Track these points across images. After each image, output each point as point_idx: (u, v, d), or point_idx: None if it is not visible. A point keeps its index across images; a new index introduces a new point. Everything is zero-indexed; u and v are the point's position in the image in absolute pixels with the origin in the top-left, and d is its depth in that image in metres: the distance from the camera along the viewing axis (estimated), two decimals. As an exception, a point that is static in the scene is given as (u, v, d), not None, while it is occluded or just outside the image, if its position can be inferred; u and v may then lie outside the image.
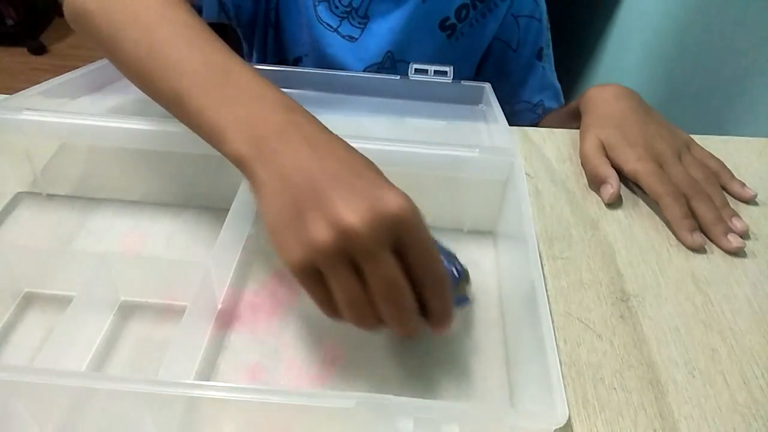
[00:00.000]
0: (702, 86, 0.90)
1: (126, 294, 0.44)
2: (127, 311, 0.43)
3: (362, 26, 0.71)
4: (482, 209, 0.50)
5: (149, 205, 0.52)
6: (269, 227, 0.35)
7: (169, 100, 0.42)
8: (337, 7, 0.69)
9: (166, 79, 0.41)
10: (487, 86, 0.63)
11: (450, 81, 0.63)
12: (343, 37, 0.72)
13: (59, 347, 0.36)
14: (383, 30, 0.71)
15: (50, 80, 0.53)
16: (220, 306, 0.44)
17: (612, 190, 0.55)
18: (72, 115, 0.47)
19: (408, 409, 0.31)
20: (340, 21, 0.71)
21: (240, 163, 0.37)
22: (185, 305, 0.38)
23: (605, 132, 0.59)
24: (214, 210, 0.51)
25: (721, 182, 0.57)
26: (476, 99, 0.64)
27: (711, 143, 0.64)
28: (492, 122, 0.58)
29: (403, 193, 0.34)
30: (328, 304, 0.35)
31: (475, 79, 0.82)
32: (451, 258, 0.43)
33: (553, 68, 0.80)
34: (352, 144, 0.46)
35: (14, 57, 2.35)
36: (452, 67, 0.64)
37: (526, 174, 0.46)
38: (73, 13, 0.48)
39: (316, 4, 0.71)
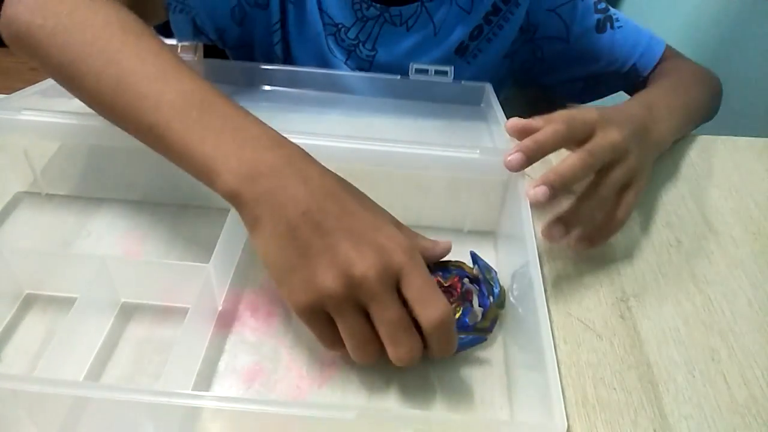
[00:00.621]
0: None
1: (126, 296, 0.44)
2: (128, 313, 0.43)
3: (370, 59, 0.68)
4: (483, 210, 0.50)
5: (149, 205, 0.52)
6: (271, 267, 0.37)
7: (144, 133, 0.40)
8: (343, 41, 0.66)
9: (140, 112, 0.39)
10: (488, 86, 0.63)
11: (451, 81, 0.63)
12: (353, 70, 0.69)
13: (61, 350, 0.36)
14: (392, 63, 0.68)
15: (48, 79, 0.53)
16: (220, 308, 0.44)
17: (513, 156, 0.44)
18: (71, 115, 0.47)
19: (408, 422, 0.32)
20: (348, 54, 0.68)
21: (234, 200, 0.37)
22: (185, 307, 0.38)
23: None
24: (214, 210, 0.51)
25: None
26: (477, 99, 0.64)
27: (711, 143, 0.64)
28: (493, 122, 0.58)
29: (402, 235, 0.37)
30: (330, 339, 0.37)
31: (549, 84, 0.75)
32: (488, 280, 0.42)
33: (628, 20, 0.69)
34: (353, 145, 0.46)
35: (14, 57, 2.31)
36: (452, 67, 0.64)
37: (526, 174, 0.46)
38: (14, 33, 0.45)
39: (326, 35, 0.67)
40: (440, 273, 0.42)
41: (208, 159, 0.37)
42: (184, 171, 0.39)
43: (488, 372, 0.41)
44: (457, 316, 0.40)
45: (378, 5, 0.63)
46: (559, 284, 0.47)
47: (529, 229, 0.41)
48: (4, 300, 0.43)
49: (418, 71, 0.63)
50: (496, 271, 0.43)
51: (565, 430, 0.30)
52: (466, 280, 0.42)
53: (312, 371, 0.40)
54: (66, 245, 0.48)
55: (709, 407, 0.39)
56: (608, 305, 0.46)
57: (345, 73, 0.65)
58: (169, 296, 0.43)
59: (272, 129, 0.40)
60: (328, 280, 0.34)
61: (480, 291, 0.42)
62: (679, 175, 0.60)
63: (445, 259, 0.42)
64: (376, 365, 0.40)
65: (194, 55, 0.65)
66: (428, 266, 0.38)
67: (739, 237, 0.53)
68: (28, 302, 0.43)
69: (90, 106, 0.44)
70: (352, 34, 0.65)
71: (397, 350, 0.36)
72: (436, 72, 0.63)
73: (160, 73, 0.41)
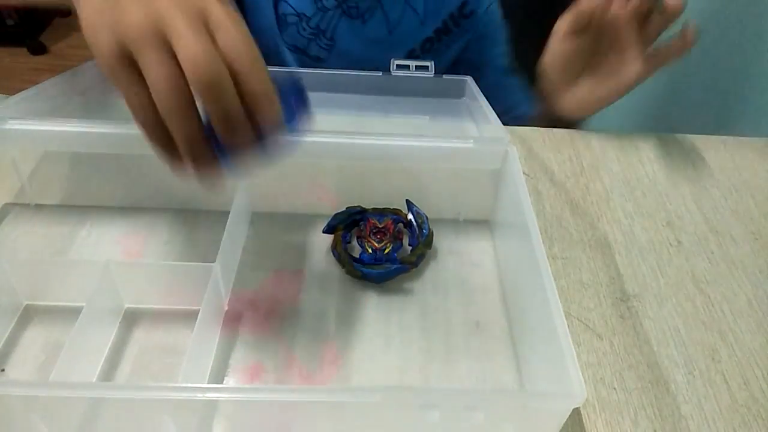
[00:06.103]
0: (702, 86, 0.90)
1: (130, 301, 0.43)
2: (132, 318, 0.43)
3: (329, 48, 0.72)
4: (477, 199, 0.51)
5: (145, 210, 0.51)
6: (84, 23, 0.35)
7: None
8: (305, 29, 0.71)
9: None
10: (469, 79, 0.63)
11: (432, 75, 0.63)
12: (311, 58, 0.73)
13: (71, 359, 0.36)
14: (349, 55, 0.73)
15: (39, 84, 0.51)
16: (226, 307, 0.44)
17: None
18: (60, 122, 0.45)
19: (434, 399, 0.31)
20: (308, 42, 0.72)
21: None
22: (189, 309, 0.38)
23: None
24: (211, 213, 0.51)
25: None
26: (459, 92, 0.64)
27: (711, 143, 0.64)
28: (477, 113, 0.58)
29: None
30: (141, 102, 0.33)
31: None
32: (419, 224, 0.49)
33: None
34: (348, 140, 0.46)
35: (14, 57, 2.35)
36: (433, 62, 0.64)
37: (525, 174, 0.46)
38: None
39: (281, 31, 0.72)
40: (377, 217, 0.49)
41: None
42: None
43: (494, 359, 0.41)
44: (387, 251, 0.47)
45: None
46: (558, 284, 0.47)
47: (529, 212, 0.41)
48: (3, 313, 0.42)
49: (400, 67, 0.63)
50: (427, 217, 0.49)
51: (584, 397, 0.30)
52: (400, 224, 0.50)
53: (313, 369, 0.40)
54: (59, 256, 0.47)
55: (709, 407, 0.39)
56: (608, 305, 0.46)
57: (326, 71, 0.64)
58: (172, 299, 0.43)
59: None
60: (131, 15, 0.32)
61: (411, 233, 0.49)
62: (679, 175, 0.60)
63: (385, 206, 0.51)
64: (378, 359, 0.40)
65: None
66: (367, 211, 0.50)
67: (739, 237, 0.53)
68: (28, 314, 0.43)
69: None
70: (313, 24, 0.70)
71: (203, 88, 0.32)
72: (417, 67, 0.63)
73: None
